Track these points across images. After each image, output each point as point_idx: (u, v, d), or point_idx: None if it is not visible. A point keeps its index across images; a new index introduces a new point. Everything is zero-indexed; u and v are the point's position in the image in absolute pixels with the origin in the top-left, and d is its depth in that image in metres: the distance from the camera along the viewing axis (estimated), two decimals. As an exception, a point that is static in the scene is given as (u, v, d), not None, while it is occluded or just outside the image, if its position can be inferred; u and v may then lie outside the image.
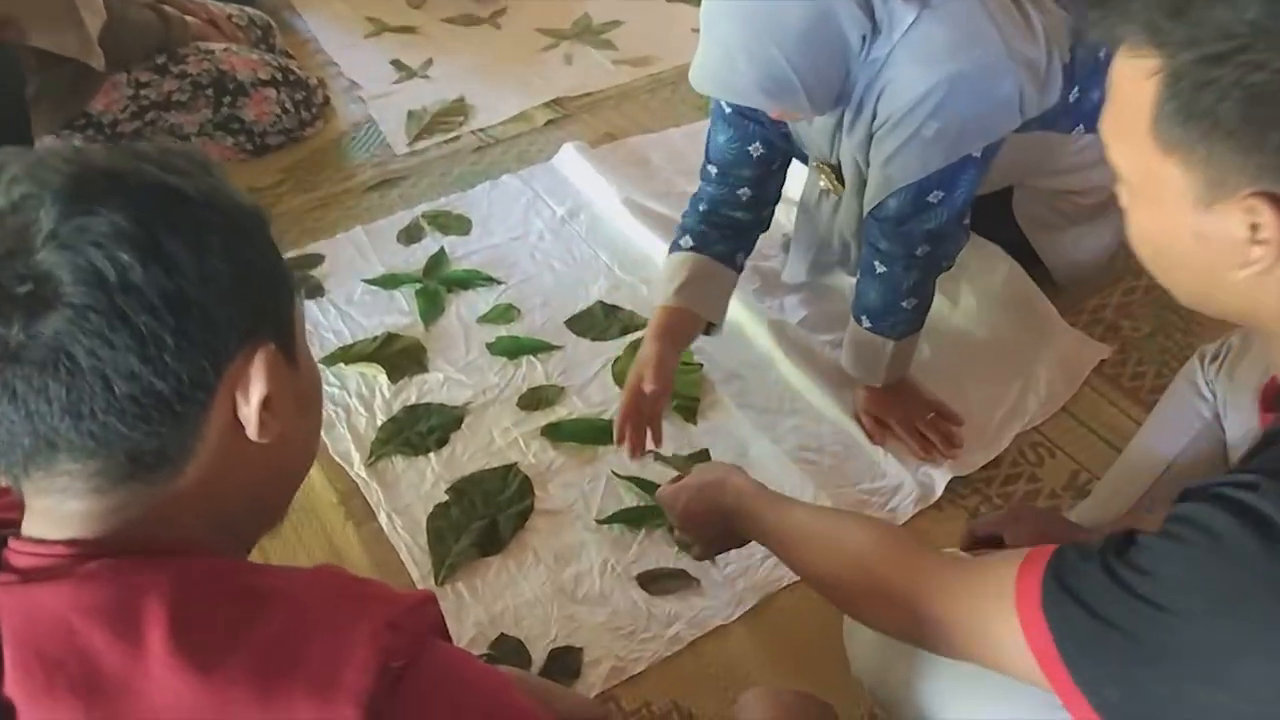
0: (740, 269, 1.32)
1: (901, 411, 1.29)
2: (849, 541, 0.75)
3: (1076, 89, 1.24)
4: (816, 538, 0.78)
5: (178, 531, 0.51)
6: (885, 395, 1.30)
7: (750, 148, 1.25)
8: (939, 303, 1.36)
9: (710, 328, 1.30)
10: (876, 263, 1.21)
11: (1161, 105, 0.54)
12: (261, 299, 0.52)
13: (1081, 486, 1.24)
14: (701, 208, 1.29)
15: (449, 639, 0.56)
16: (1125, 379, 1.38)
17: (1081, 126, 1.30)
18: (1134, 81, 0.56)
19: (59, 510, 0.49)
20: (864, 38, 1.05)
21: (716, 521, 0.89)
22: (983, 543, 0.94)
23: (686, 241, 1.29)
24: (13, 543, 0.49)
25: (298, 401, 0.56)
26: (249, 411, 0.51)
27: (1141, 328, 1.46)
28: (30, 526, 0.50)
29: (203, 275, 0.48)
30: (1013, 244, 1.47)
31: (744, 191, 1.28)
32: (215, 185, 0.51)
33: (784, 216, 1.66)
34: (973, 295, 1.47)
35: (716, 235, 1.28)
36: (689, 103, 2.02)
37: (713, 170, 1.28)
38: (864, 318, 1.26)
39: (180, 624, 0.45)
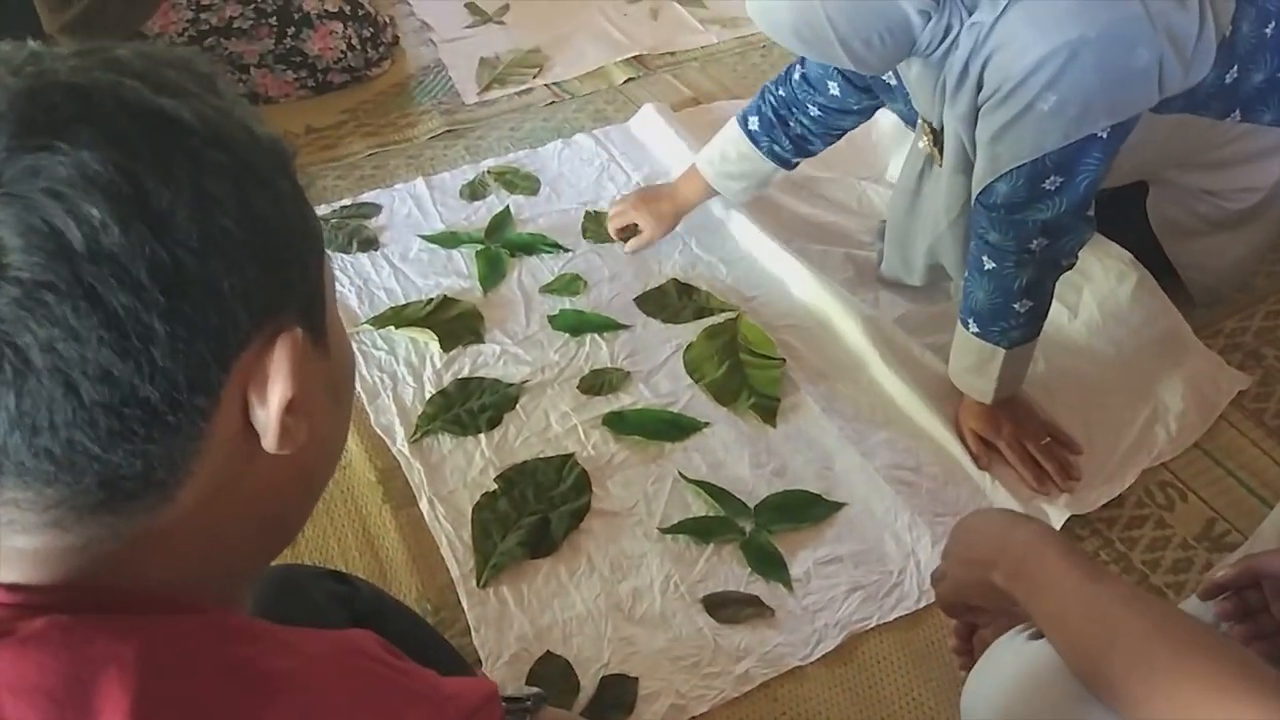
0: (787, 167, 1.34)
1: (1011, 433, 1.13)
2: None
3: (1235, 68, 1.05)
4: (1111, 645, 0.63)
5: (157, 574, 0.38)
6: (994, 412, 1.14)
7: (830, 81, 1.21)
8: (1056, 311, 1.20)
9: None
10: (985, 257, 1.06)
11: None
12: (283, 267, 0.38)
13: (1218, 538, 1.08)
14: (772, 98, 1.30)
15: None
16: (1269, 416, 1.21)
17: (1238, 113, 1.12)
18: None
19: (0, 546, 0.36)
20: (925, 13, 0.94)
21: (992, 598, 0.75)
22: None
23: (750, 123, 1.32)
24: None
25: (327, 393, 0.43)
26: (267, 417, 0.38)
27: (1287, 358, 1.29)
28: None
29: (205, 237, 0.34)
30: (1142, 249, 1.30)
31: (814, 111, 1.27)
32: (224, 110, 0.37)
33: (883, 203, 1.51)
34: (1095, 306, 1.31)
35: (779, 132, 1.29)
36: (779, 69, 1.81)
37: (797, 72, 1.27)
38: (971, 321, 1.10)
39: (146, 716, 0.32)
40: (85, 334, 0.32)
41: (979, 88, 0.98)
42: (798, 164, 1.35)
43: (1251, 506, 1.10)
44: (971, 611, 0.83)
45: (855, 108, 1.26)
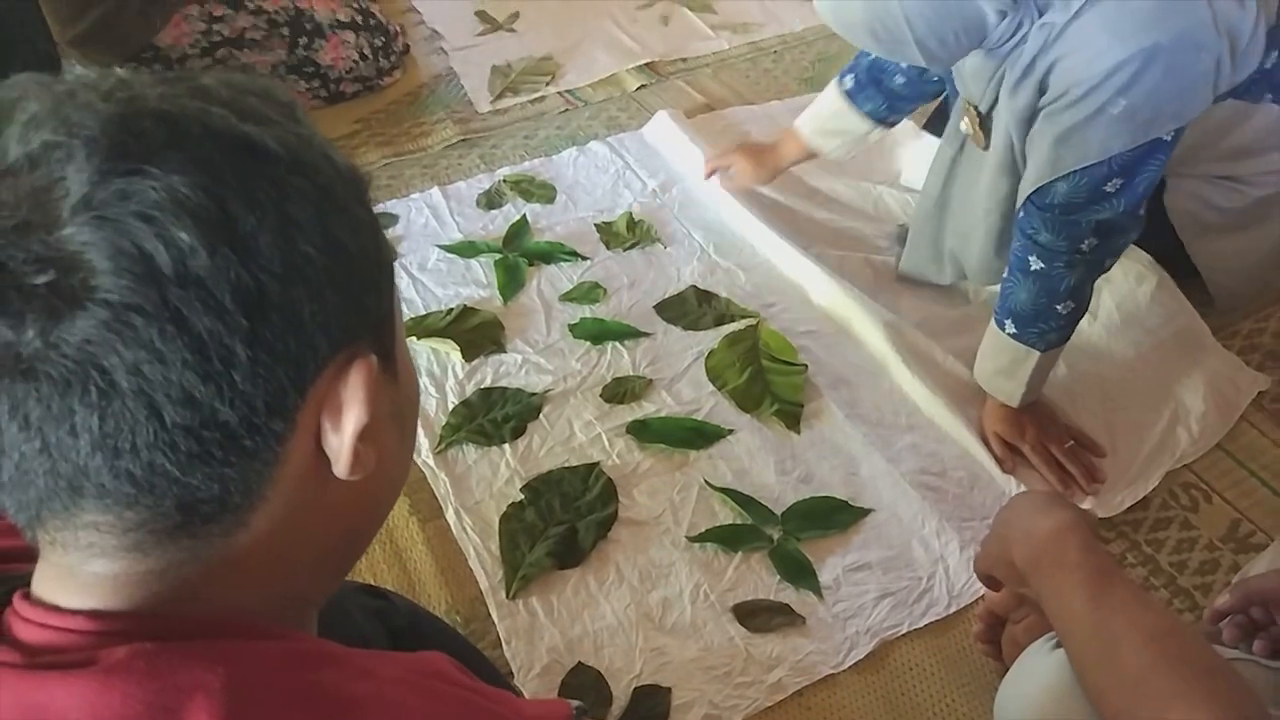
0: (884, 125, 1.34)
1: (1035, 436, 1.13)
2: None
3: (1276, 53, 1.06)
4: (1110, 677, 0.65)
5: (232, 599, 0.38)
6: (1018, 416, 1.14)
7: None
8: None
9: None
10: (1033, 258, 1.06)
11: None
12: (359, 293, 0.38)
13: (1243, 539, 1.08)
14: (866, 60, 1.30)
15: None
16: (1290, 417, 1.21)
17: (1270, 96, 1.13)
18: None
19: (80, 571, 0.36)
20: (1002, 12, 0.95)
21: (1013, 577, 0.77)
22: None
23: (846, 82, 1.33)
24: (18, 602, 0.37)
25: (395, 420, 0.43)
26: (340, 444, 0.38)
27: (1307, 358, 1.29)
28: (41, 585, 0.37)
29: (287, 262, 0.35)
30: (1161, 248, 1.30)
31: (900, 80, 1.28)
32: (305, 138, 0.38)
33: (899, 207, 1.51)
34: (1114, 308, 1.31)
35: (874, 90, 1.31)
36: (791, 74, 1.87)
37: None
38: (1009, 322, 1.10)
39: None
40: (170, 357, 0.32)
41: (1042, 90, 0.99)
42: (895, 122, 1.35)
43: (1276, 506, 1.10)
44: (996, 584, 0.83)
45: (933, 79, 1.27)
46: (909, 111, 1.36)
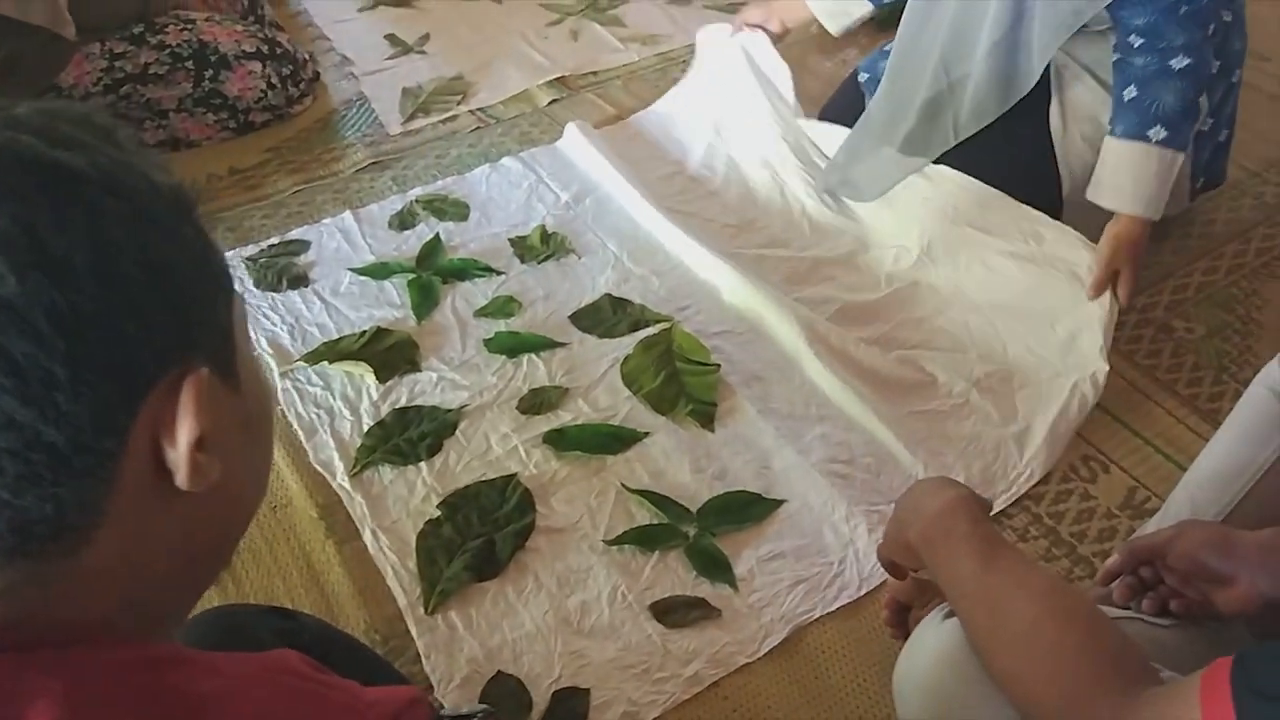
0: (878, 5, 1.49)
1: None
2: (1036, 652, 0.65)
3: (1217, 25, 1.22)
4: (999, 636, 0.68)
5: (82, 613, 0.38)
6: (1145, 237, 1.22)
7: None
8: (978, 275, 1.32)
9: None
10: (1175, 60, 1.15)
11: None
12: (187, 309, 0.39)
13: (1140, 505, 1.12)
14: None
15: None
16: (1181, 385, 1.27)
17: (1185, 58, 1.18)
18: None
19: None
20: None
21: (909, 557, 0.80)
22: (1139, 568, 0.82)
23: None
24: None
25: (242, 429, 0.44)
26: (177, 456, 0.39)
27: (1196, 329, 1.34)
28: None
29: (105, 283, 0.35)
30: (1048, 201, 1.34)
31: None
32: (121, 160, 0.38)
33: (804, 193, 1.52)
34: (1016, 268, 1.32)
35: None
36: None
37: None
38: (1159, 128, 1.16)
39: None
40: None
41: None
42: (888, 4, 1.49)
43: (1169, 472, 1.14)
44: (898, 570, 0.86)
45: None
46: None
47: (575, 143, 1.66)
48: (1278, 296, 1.39)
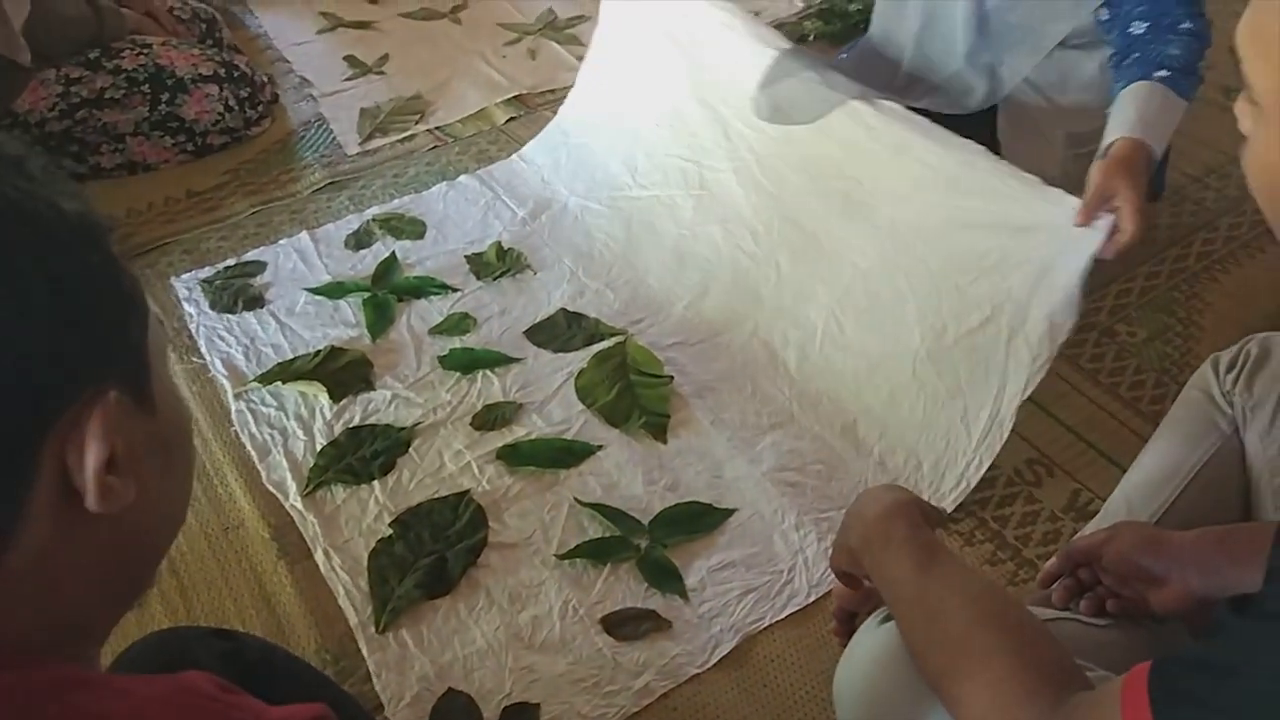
0: None
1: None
2: (970, 655, 0.66)
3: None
4: (934, 640, 0.69)
5: None
6: (1144, 171, 1.09)
7: None
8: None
9: None
10: (1186, 23, 1.15)
11: None
12: (96, 334, 0.40)
13: (1083, 507, 1.14)
14: None
15: None
16: (1124, 388, 1.29)
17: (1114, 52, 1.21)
18: None
19: None
20: None
21: (853, 563, 0.79)
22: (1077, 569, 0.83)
23: None
24: None
25: (158, 452, 0.44)
26: (86, 478, 0.39)
27: (1138, 333, 1.37)
28: None
29: (11, 310, 0.36)
30: None
31: None
32: (28, 190, 0.39)
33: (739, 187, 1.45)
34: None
35: None
36: None
37: None
38: (1173, 75, 1.13)
39: None
40: None
41: None
42: None
43: (1112, 475, 1.15)
44: (851, 580, 0.87)
45: None
46: None
47: (538, 159, 1.66)
48: (1218, 300, 1.41)
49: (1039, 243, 1.09)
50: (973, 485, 1.13)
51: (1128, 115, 1.11)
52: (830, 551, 0.89)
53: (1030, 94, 1.36)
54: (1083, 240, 1.04)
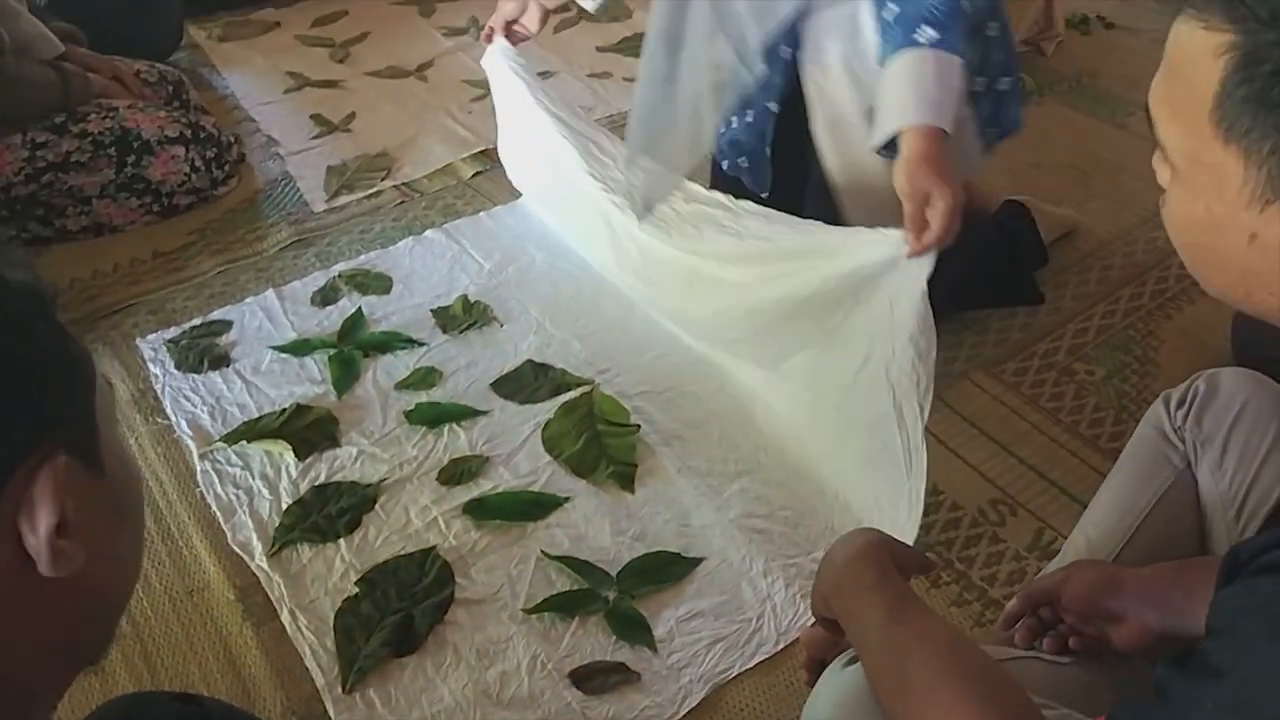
0: None
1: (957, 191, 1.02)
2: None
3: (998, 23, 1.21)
4: (899, 687, 0.69)
5: None
6: (950, 156, 1.04)
7: None
8: None
9: None
10: (925, 25, 1.06)
11: (1229, 88, 0.48)
12: (43, 400, 0.41)
13: (1047, 546, 1.15)
14: None
15: None
16: (1083, 426, 1.31)
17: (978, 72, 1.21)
18: (1198, 56, 0.50)
19: None
20: None
21: (824, 606, 0.79)
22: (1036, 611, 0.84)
23: None
24: None
25: (109, 514, 0.45)
26: (38, 542, 0.40)
27: (1096, 371, 1.40)
28: None
29: None
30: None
31: None
32: None
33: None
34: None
35: None
36: (621, 154, 1.95)
37: None
38: (924, 28, 1.06)
39: None
40: None
41: None
42: None
43: (1075, 513, 1.17)
44: (837, 627, 0.87)
45: None
46: None
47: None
48: (1172, 336, 1.45)
49: (881, 280, 1.08)
50: (919, 514, 1.08)
51: (904, 98, 1.06)
52: (798, 597, 0.89)
53: (831, 73, 1.26)
54: (913, 264, 1.04)
